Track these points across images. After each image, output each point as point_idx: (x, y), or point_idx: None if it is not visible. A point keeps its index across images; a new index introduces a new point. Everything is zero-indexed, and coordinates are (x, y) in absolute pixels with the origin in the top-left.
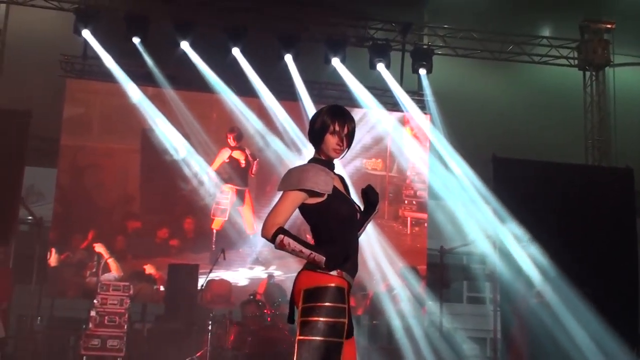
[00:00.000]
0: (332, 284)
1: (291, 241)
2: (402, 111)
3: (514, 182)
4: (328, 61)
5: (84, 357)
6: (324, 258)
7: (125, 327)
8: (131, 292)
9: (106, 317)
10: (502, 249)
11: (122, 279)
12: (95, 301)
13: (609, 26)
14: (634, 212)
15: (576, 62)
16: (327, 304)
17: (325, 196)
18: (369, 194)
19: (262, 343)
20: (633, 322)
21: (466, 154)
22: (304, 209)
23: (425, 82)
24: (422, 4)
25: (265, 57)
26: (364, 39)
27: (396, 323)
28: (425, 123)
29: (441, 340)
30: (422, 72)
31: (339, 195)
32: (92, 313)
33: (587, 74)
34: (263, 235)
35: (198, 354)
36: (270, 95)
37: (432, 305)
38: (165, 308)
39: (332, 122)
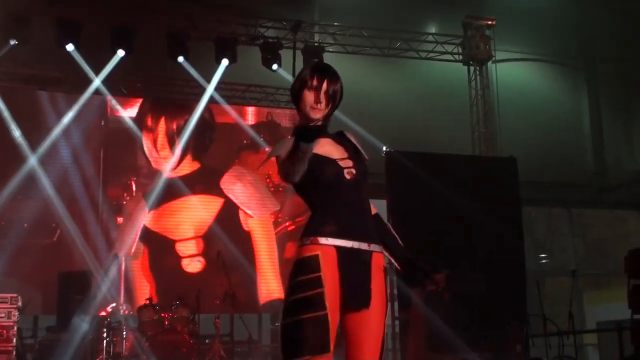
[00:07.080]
0: (303, 255)
1: None
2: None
3: (406, 175)
4: (219, 61)
5: None
6: None
7: (15, 341)
8: (19, 303)
9: None
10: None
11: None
12: None
13: (489, 22)
14: (518, 199)
15: (460, 57)
16: (298, 279)
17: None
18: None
19: (160, 347)
20: (521, 305)
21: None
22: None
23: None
24: (312, 2)
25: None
26: (254, 38)
27: None
28: None
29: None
30: None
31: (320, 159)
32: None
33: (472, 68)
34: None
35: None
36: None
37: None
38: (57, 318)
39: (311, 76)
